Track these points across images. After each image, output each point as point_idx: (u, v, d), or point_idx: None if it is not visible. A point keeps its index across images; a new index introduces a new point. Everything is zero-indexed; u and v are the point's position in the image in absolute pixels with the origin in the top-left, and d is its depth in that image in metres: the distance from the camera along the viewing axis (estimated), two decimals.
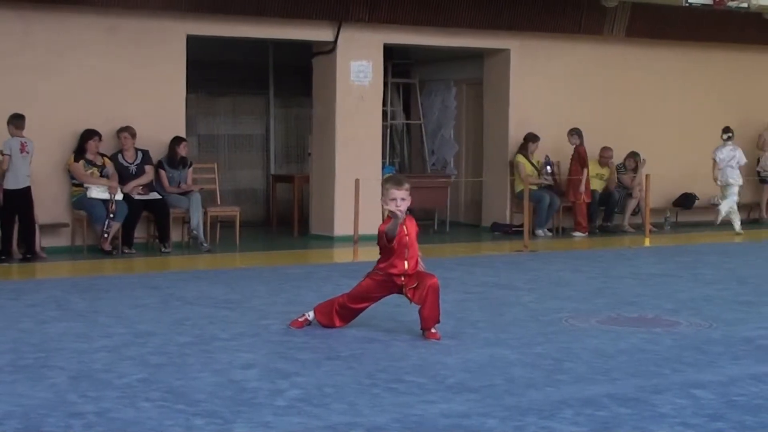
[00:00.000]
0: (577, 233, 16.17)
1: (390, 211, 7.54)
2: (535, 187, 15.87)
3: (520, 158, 16.14)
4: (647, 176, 15.75)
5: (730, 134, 16.97)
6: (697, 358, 6.97)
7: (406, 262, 7.57)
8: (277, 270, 11.69)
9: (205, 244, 13.68)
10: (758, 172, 18.64)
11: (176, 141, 13.91)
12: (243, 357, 6.85)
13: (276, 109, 17.80)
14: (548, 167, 16.42)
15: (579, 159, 16.15)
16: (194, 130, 16.45)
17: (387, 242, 7.51)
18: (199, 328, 7.89)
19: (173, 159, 13.95)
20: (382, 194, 7.67)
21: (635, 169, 16.97)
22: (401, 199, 7.52)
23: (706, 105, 18.23)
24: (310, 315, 7.89)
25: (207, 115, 17.15)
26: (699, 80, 18.19)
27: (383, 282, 7.68)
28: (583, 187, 16.08)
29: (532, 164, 16.26)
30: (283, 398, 5.77)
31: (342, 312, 7.81)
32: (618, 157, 17.09)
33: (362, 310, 7.84)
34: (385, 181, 7.77)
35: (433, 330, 7.54)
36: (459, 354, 7.04)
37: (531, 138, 16.16)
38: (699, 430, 5.23)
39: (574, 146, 16.14)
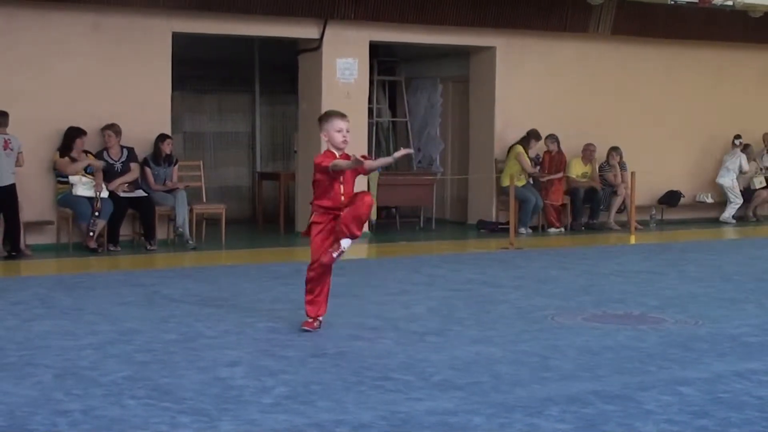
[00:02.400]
0: (552, 229, 16.32)
1: (354, 156, 7.34)
2: (523, 182, 15.90)
3: (521, 149, 16.11)
4: (633, 174, 15.78)
5: (741, 140, 17.54)
6: (683, 355, 6.96)
7: (342, 197, 7.48)
8: (263, 267, 11.67)
9: (191, 242, 13.65)
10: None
11: (162, 138, 13.86)
12: (229, 354, 6.83)
13: (262, 106, 17.78)
14: (537, 167, 16.45)
15: (555, 163, 16.34)
16: (180, 127, 16.39)
17: (331, 175, 7.39)
18: (184, 326, 7.87)
19: (159, 156, 13.90)
20: (322, 127, 7.53)
21: (619, 163, 16.98)
22: (347, 130, 7.48)
23: (692, 103, 18.25)
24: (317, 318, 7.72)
25: (193, 112, 17.11)
26: (684, 78, 18.20)
27: (326, 226, 7.46)
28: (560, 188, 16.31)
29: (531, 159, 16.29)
30: (270, 396, 5.76)
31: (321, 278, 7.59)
32: (604, 155, 17.10)
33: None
34: (327, 114, 7.62)
35: (333, 251, 7.38)
36: (445, 351, 7.01)
37: (535, 135, 16.16)
38: (684, 427, 5.23)
39: (552, 152, 16.30)
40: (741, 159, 18.19)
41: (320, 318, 7.68)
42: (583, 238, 15.62)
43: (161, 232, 13.87)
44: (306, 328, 7.62)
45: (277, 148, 17.78)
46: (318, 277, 7.55)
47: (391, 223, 16.76)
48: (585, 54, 17.22)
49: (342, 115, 7.54)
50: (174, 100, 14.41)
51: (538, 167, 16.42)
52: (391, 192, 15.90)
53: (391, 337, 7.47)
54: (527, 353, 6.96)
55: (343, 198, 7.46)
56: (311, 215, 7.61)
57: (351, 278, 10.60)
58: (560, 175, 16.44)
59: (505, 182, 15.86)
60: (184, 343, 7.24)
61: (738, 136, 18.25)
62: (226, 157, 17.47)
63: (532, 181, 16.23)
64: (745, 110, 18.82)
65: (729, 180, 18.19)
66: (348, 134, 7.50)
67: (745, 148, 18.22)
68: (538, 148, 16.43)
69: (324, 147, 7.67)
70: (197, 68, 16.43)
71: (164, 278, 10.60)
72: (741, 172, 18.21)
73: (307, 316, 7.68)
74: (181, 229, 13.65)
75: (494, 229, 16.16)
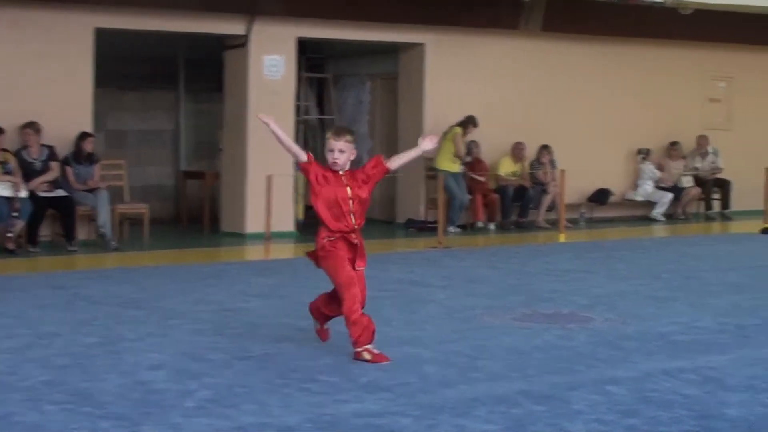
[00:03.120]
0: (478, 222, 16.49)
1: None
2: (457, 168, 15.92)
3: (459, 131, 16.09)
4: (562, 172, 15.83)
5: (643, 154, 18.07)
6: (612, 354, 7.03)
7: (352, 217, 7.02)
8: (187, 268, 11.65)
9: (113, 243, 13.48)
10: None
11: (83, 137, 13.70)
12: (151, 358, 6.78)
13: (186, 104, 17.67)
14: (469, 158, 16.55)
15: (477, 168, 16.49)
16: (102, 125, 16.15)
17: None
18: (105, 329, 7.79)
19: (80, 155, 13.74)
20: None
21: (549, 162, 17.02)
22: (339, 150, 6.91)
23: (622, 100, 18.37)
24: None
25: (115, 110, 16.93)
26: (615, 75, 18.31)
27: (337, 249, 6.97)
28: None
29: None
30: (193, 399, 5.73)
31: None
32: (533, 154, 17.14)
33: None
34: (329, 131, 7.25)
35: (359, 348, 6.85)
36: None
37: (473, 121, 16.14)
38: (613, 427, 5.25)
39: (474, 157, 16.43)
40: (648, 168, 18.34)
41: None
42: (512, 237, 15.72)
43: (82, 233, 13.70)
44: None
45: (201, 146, 17.66)
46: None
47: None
48: (515, 51, 17.26)
49: (337, 133, 7.04)
50: (96, 98, 14.22)
51: (470, 158, 16.44)
52: None
53: (318, 338, 7.41)
54: (455, 353, 6.98)
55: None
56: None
57: (278, 278, 10.64)
58: (482, 178, 16.52)
59: (440, 165, 15.87)
60: (105, 346, 7.18)
61: (640, 150, 18.36)
62: (149, 156, 17.34)
63: (463, 167, 16.21)
64: (677, 108, 18.99)
65: (647, 189, 18.33)
66: (341, 154, 6.94)
67: (648, 154, 18.37)
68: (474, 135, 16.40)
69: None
70: (120, 65, 16.20)
71: (85, 280, 10.50)
72: (654, 178, 18.34)
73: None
74: (102, 230, 13.49)
75: (423, 228, 16.12)
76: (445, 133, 16.11)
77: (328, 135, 7.07)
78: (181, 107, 17.60)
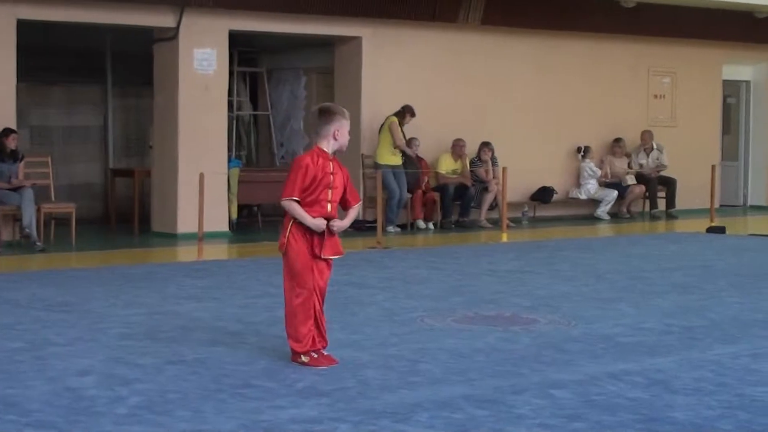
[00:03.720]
0: (420, 222, 16.37)
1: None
2: (398, 160, 15.82)
3: (395, 119, 15.92)
4: (504, 169, 15.72)
5: (582, 152, 18.10)
6: (556, 357, 6.95)
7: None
8: (116, 270, 11.46)
9: (39, 243, 13.26)
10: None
11: (6, 133, 13.50)
12: (80, 363, 6.67)
13: (114, 99, 17.48)
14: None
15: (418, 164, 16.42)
16: (26, 121, 16.00)
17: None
18: (31, 333, 7.67)
19: (2, 152, 13.53)
20: (333, 122, 6.64)
21: (490, 159, 16.90)
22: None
23: (565, 96, 18.36)
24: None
25: (39, 105, 16.71)
26: (557, 70, 18.29)
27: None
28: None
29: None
30: (124, 406, 5.65)
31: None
32: (474, 151, 17.00)
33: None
34: (331, 113, 6.71)
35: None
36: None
37: (410, 110, 15.98)
38: (557, 431, 5.23)
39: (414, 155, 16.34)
40: (588, 166, 18.28)
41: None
42: (453, 237, 15.67)
43: (6, 233, 13.55)
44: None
45: (131, 143, 17.53)
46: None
47: (253, 222, 16.68)
48: (454, 45, 17.18)
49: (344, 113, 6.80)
50: (19, 92, 14.02)
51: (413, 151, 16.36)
52: (253, 189, 15.68)
53: (253, 342, 7.35)
54: (396, 357, 6.91)
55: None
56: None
57: (211, 280, 10.49)
58: (425, 179, 16.47)
59: (380, 159, 15.76)
60: (31, 351, 7.05)
61: (579, 148, 18.28)
62: (76, 153, 17.12)
63: (403, 158, 16.09)
64: (621, 104, 19.03)
65: (590, 187, 18.28)
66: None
67: (587, 152, 18.31)
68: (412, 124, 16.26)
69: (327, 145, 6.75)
70: (45, 58, 16.04)
71: (9, 282, 10.31)
72: (595, 177, 18.28)
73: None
74: (27, 230, 13.27)
75: (361, 227, 15.90)
76: (382, 125, 15.91)
77: (339, 116, 6.63)
78: (109, 102, 17.40)
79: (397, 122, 15.86)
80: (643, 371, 6.49)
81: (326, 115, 6.66)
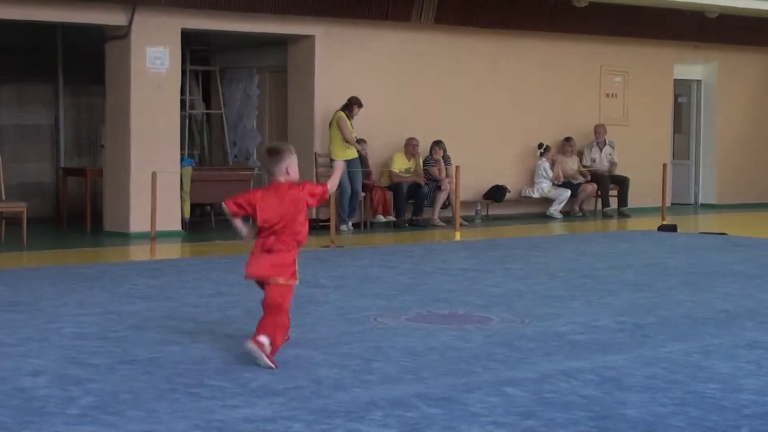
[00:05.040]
0: (380, 216, 16.41)
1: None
2: (354, 154, 15.71)
3: (342, 114, 15.81)
4: (457, 168, 15.73)
5: (542, 149, 18.17)
6: (509, 355, 6.94)
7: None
8: (68, 270, 11.34)
9: None
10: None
11: None
12: (31, 363, 6.59)
13: (65, 97, 17.32)
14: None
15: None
16: None
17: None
18: None
19: None
20: (279, 168, 6.98)
21: (443, 158, 16.91)
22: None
23: (517, 95, 18.37)
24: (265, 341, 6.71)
25: None
26: (510, 69, 18.30)
27: None
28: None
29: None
30: (76, 406, 5.58)
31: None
32: (427, 150, 17.01)
33: None
34: (279, 152, 7.05)
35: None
36: None
37: (357, 102, 15.90)
38: (510, 429, 5.23)
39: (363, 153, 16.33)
40: (543, 166, 18.35)
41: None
42: (406, 236, 15.63)
43: None
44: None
45: (82, 142, 17.39)
46: None
47: (206, 221, 16.60)
48: (407, 44, 17.14)
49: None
50: None
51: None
52: (206, 188, 15.61)
53: (206, 341, 7.28)
54: (349, 356, 6.88)
55: None
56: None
57: (163, 279, 10.44)
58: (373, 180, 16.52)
59: (334, 155, 15.61)
60: None
61: (541, 145, 18.35)
62: (26, 152, 16.98)
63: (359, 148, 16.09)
64: (573, 103, 19.07)
65: (543, 186, 18.34)
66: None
67: (546, 150, 18.37)
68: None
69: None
70: None
71: None
72: (548, 177, 18.37)
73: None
74: None
75: (314, 226, 15.79)
76: (330, 122, 15.88)
77: (287, 153, 7.02)
78: (60, 101, 17.24)
79: (345, 116, 15.78)
80: (596, 369, 6.48)
81: (276, 154, 7.06)
